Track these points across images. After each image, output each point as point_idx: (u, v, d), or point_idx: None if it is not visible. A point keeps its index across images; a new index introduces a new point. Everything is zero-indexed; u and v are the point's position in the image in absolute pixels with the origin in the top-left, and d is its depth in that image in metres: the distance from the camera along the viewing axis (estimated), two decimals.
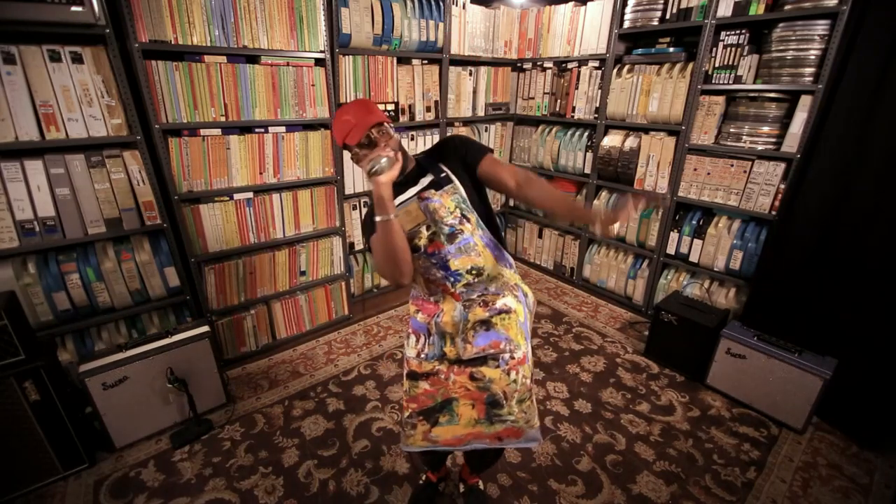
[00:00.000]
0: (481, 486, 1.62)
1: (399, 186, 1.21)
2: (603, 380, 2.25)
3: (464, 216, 1.20)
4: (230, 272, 2.21)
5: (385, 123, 1.16)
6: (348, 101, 2.41)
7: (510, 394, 1.18)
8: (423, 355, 1.22)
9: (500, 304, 1.19)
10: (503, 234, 1.16)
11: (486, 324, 1.17)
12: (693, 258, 2.53)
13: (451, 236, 1.18)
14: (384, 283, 2.99)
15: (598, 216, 1.09)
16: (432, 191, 1.19)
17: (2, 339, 1.45)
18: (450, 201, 1.19)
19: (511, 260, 1.31)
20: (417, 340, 1.24)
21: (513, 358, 1.17)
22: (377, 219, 1.07)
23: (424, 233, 1.18)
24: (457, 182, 1.21)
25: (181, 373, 1.81)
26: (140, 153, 1.81)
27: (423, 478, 1.64)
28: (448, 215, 1.18)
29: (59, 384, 1.60)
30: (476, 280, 1.21)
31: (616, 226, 1.11)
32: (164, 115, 1.85)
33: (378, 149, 1.10)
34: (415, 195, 1.19)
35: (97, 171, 1.74)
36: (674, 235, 2.60)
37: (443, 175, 1.21)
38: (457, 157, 1.24)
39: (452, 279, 1.20)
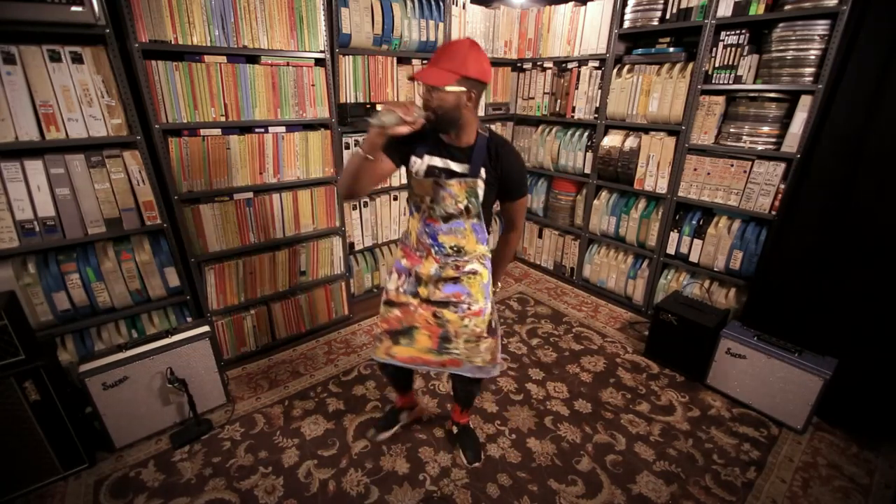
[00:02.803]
0: (471, 425, 1.92)
1: (438, 148, 1.36)
2: (603, 380, 2.25)
3: (468, 208, 1.36)
4: (230, 272, 2.21)
5: (443, 88, 1.23)
6: (349, 101, 2.41)
7: (459, 334, 1.46)
8: (401, 289, 1.51)
9: (468, 268, 1.45)
10: (491, 220, 1.53)
11: (456, 279, 1.45)
12: (693, 258, 2.53)
13: (447, 218, 1.38)
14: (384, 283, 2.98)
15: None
16: (452, 181, 1.32)
17: (2, 339, 1.45)
18: (462, 192, 1.34)
19: (486, 236, 1.49)
20: (399, 277, 1.52)
21: (469, 309, 1.46)
22: (358, 150, 1.26)
23: (427, 202, 1.38)
24: (481, 184, 1.34)
25: (181, 373, 1.81)
26: (140, 153, 1.81)
27: (390, 406, 1.94)
28: (452, 205, 1.35)
29: (59, 384, 1.60)
30: (455, 254, 1.44)
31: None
32: (164, 115, 1.85)
33: (401, 106, 1.18)
34: (432, 179, 1.34)
35: (97, 171, 1.74)
36: (674, 235, 2.60)
37: (474, 173, 1.34)
38: (504, 174, 1.36)
39: (437, 248, 1.43)
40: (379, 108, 1.21)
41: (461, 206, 1.35)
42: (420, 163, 1.37)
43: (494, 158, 1.35)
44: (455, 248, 1.42)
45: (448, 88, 1.22)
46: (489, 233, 1.49)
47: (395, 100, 1.29)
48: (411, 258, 1.50)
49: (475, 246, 1.44)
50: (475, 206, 1.36)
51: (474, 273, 1.46)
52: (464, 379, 1.58)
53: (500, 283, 1.59)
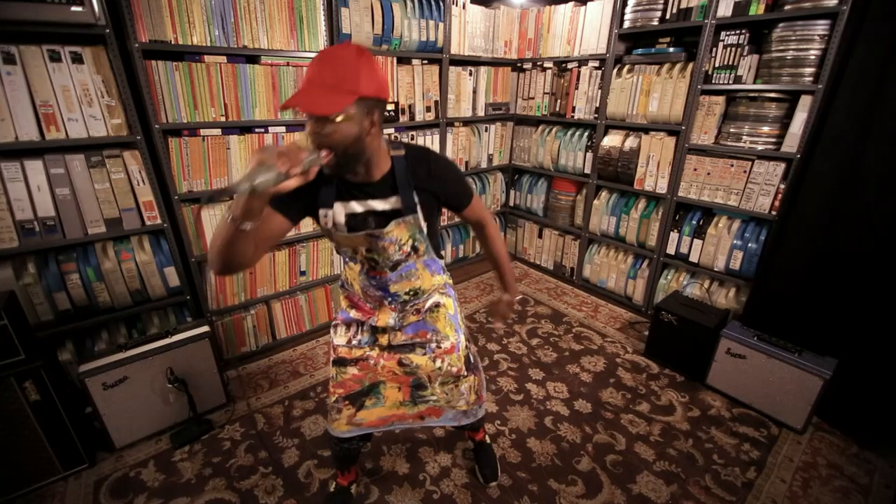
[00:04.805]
0: (487, 440, 1.75)
1: (349, 190, 1.06)
2: (603, 380, 2.25)
3: (414, 247, 1.15)
4: None
5: (336, 119, 0.89)
6: None
7: (434, 377, 1.28)
8: (354, 341, 1.25)
9: (429, 304, 1.27)
10: (439, 241, 1.38)
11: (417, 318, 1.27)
12: (693, 258, 2.53)
13: (395, 266, 1.17)
14: None
15: (502, 301, 1.36)
16: (389, 227, 1.07)
17: (2, 339, 1.45)
18: (405, 233, 1.10)
19: (442, 264, 1.30)
20: (348, 329, 1.27)
21: (439, 347, 1.26)
22: (229, 216, 0.85)
23: (363, 252, 1.14)
24: (420, 215, 1.10)
25: (181, 373, 1.81)
26: (140, 153, 1.81)
27: (333, 485, 1.59)
28: (396, 252, 1.12)
29: (59, 384, 1.60)
30: (413, 298, 1.24)
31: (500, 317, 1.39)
32: (164, 115, 1.85)
33: (283, 155, 0.82)
34: (364, 233, 1.08)
35: (97, 171, 1.74)
36: (674, 235, 2.60)
37: (409, 206, 1.08)
38: (441, 190, 1.14)
39: (390, 299, 1.22)
40: (255, 161, 0.81)
41: (407, 250, 1.13)
42: (332, 214, 1.06)
43: (424, 178, 1.09)
44: (411, 293, 1.21)
45: (339, 119, 0.89)
46: (442, 253, 1.30)
47: (280, 142, 1.00)
48: (361, 309, 1.26)
49: (432, 280, 1.25)
50: (423, 242, 1.15)
51: (437, 306, 1.27)
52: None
53: (515, 292, 1.36)
